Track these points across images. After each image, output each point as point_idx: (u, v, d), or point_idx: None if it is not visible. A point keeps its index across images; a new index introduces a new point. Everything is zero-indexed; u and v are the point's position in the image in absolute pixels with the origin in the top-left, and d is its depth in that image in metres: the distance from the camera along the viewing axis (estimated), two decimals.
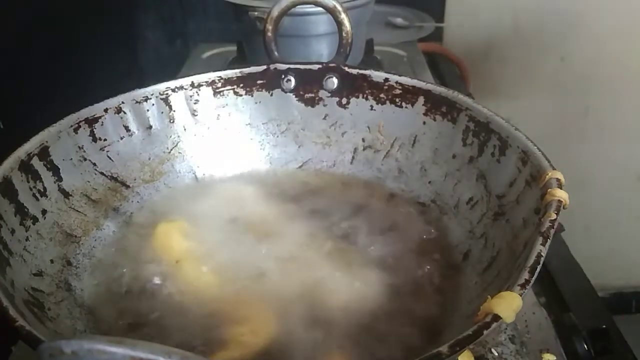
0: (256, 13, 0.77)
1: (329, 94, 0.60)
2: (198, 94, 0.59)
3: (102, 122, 0.54)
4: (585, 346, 0.50)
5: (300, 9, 0.61)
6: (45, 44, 0.76)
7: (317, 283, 0.46)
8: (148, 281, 0.47)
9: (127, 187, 0.55)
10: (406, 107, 0.57)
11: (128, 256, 0.50)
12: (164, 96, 0.58)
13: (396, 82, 0.57)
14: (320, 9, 0.58)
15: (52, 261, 0.46)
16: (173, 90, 0.58)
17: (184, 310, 0.44)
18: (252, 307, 0.44)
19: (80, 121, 0.52)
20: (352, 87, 0.59)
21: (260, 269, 0.47)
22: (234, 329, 0.42)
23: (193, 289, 0.46)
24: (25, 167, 0.46)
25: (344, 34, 0.58)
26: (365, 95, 0.59)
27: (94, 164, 0.53)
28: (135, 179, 0.56)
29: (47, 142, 0.49)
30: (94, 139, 0.53)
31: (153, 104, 0.57)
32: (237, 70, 0.60)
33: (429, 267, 0.47)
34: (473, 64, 1.25)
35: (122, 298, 0.46)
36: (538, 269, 0.33)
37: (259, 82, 0.60)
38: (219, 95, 0.60)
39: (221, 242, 0.51)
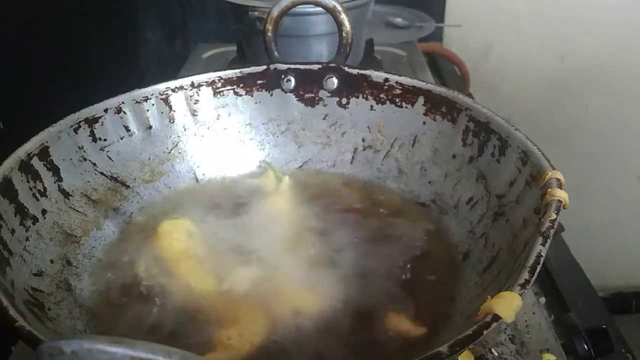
0: (256, 13, 0.77)
1: (329, 94, 0.60)
2: (198, 94, 0.59)
3: (102, 122, 0.54)
4: (585, 346, 0.50)
5: (300, 9, 0.61)
6: (45, 44, 0.76)
7: (312, 287, 0.46)
8: (146, 281, 0.47)
9: (127, 187, 0.55)
10: (406, 107, 0.57)
11: (128, 256, 0.50)
12: (164, 96, 0.58)
13: (396, 82, 0.57)
14: (320, 9, 0.58)
15: (52, 261, 0.46)
16: (173, 90, 0.58)
17: (178, 311, 0.44)
18: (244, 311, 0.44)
19: (80, 121, 0.52)
20: (352, 87, 0.59)
21: (257, 271, 0.47)
22: (222, 331, 0.42)
23: (189, 289, 0.46)
24: (25, 167, 0.46)
25: (344, 34, 0.58)
26: (365, 95, 0.59)
27: (94, 164, 0.53)
28: (135, 179, 0.56)
29: (47, 142, 0.49)
30: (94, 139, 0.53)
31: (153, 104, 0.57)
32: (237, 70, 0.60)
33: (429, 267, 0.47)
34: (473, 64, 1.25)
35: (121, 298, 0.46)
36: (538, 269, 0.33)
37: (259, 82, 0.60)
38: (219, 95, 0.60)
39: (219, 243, 0.51)
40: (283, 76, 0.60)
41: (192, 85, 0.59)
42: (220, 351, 0.40)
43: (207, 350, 0.40)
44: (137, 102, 0.56)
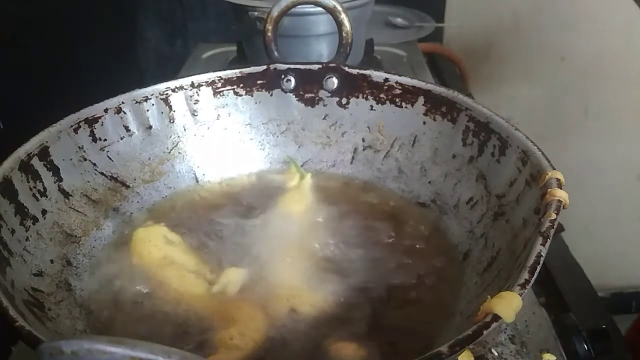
0: (256, 13, 0.77)
1: (329, 94, 0.60)
2: (198, 94, 0.59)
3: (102, 122, 0.54)
4: (585, 346, 0.50)
5: (300, 9, 0.61)
6: (45, 44, 0.76)
7: (308, 285, 0.46)
8: (143, 283, 0.47)
9: (127, 187, 0.55)
10: (406, 107, 0.57)
11: (127, 257, 0.50)
12: (164, 96, 0.58)
13: (396, 82, 0.57)
14: (320, 9, 0.58)
15: (52, 261, 0.46)
16: (173, 90, 0.58)
17: (176, 312, 0.44)
18: (241, 309, 0.44)
19: (80, 121, 0.52)
20: (352, 87, 0.59)
21: (253, 269, 0.47)
22: (222, 332, 0.42)
23: (181, 293, 0.46)
24: (25, 167, 0.46)
25: (344, 34, 0.58)
26: (365, 95, 0.59)
27: (94, 164, 0.53)
28: (135, 179, 0.56)
29: (47, 142, 0.49)
30: (94, 139, 0.53)
31: (153, 104, 0.57)
32: (237, 70, 0.60)
33: (428, 267, 0.47)
34: (473, 64, 1.25)
35: (121, 298, 0.46)
36: (538, 269, 0.33)
37: (259, 82, 0.60)
38: (219, 95, 0.60)
39: (216, 243, 0.51)
40: (283, 76, 0.60)
41: (192, 85, 0.59)
42: (223, 352, 0.40)
43: (208, 352, 0.40)
44: (137, 102, 0.56)
